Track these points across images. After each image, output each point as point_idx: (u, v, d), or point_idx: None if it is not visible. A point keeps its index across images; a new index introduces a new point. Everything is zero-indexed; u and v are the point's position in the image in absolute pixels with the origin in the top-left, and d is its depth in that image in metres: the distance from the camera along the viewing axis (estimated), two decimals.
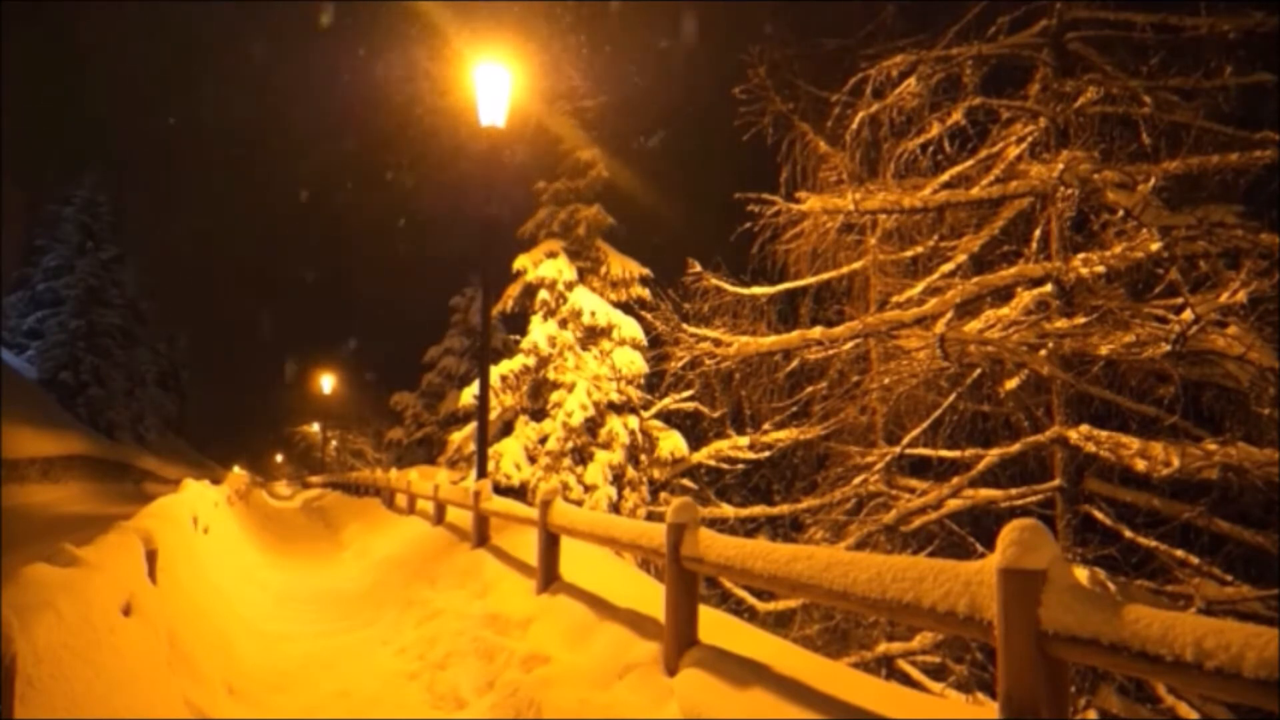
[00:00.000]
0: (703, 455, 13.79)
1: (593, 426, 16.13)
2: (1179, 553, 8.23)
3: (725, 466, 13.62)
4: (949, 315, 8.87)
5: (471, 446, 17.22)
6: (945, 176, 9.79)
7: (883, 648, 10.02)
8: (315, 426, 48.72)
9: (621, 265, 17.65)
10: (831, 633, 10.72)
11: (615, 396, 16.30)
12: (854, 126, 10.50)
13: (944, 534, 10.07)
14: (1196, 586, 7.83)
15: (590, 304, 16.80)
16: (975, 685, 9.27)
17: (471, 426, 17.57)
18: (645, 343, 16.19)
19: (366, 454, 42.04)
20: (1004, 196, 9.30)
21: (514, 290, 17.51)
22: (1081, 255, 8.44)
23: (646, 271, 17.56)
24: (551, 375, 16.61)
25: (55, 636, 2.86)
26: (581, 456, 16.05)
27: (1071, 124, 8.92)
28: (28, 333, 40.68)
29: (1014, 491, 9.09)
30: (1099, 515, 8.69)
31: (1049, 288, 8.92)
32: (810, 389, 11.57)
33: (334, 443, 47.83)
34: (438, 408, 30.04)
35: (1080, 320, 8.24)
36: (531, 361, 16.73)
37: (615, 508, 15.24)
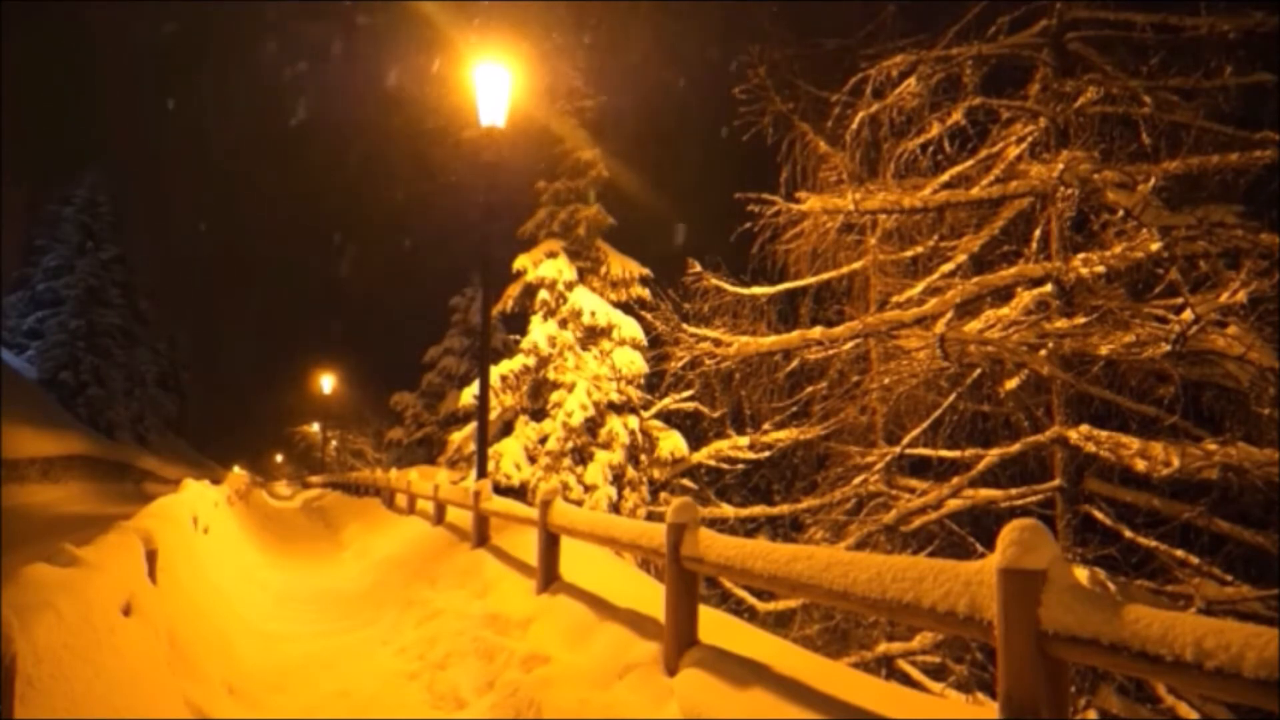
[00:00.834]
0: (703, 455, 13.78)
1: (593, 426, 16.13)
2: (1179, 553, 8.22)
3: (725, 466, 13.62)
4: (949, 315, 8.87)
5: (471, 446, 17.22)
6: (945, 176, 9.79)
7: (883, 648, 10.02)
8: (315, 426, 48.71)
9: (621, 265, 17.65)
10: (831, 633, 10.72)
11: (615, 396, 16.30)
12: (854, 126, 10.50)
13: (944, 534, 10.06)
14: (1196, 586, 7.83)
15: (590, 304, 16.80)
16: (975, 685, 9.27)
17: (471, 426, 17.57)
18: (645, 343, 16.19)
19: (366, 454, 42.04)
20: (1004, 196, 9.29)
21: (514, 290, 17.51)
22: (1081, 255, 8.44)
23: (646, 271, 17.56)
24: (551, 375, 16.61)
25: (55, 636, 2.86)
26: (581, 456, 16.05)
27: (1071, 124, 8.92)
28: (28, 333, 40.70)
29: (1014, 491, 9.08)
30: (1099, 515, 8.69)
31: (1049, 288, 8.92)
32: (810, 389, 11.57)
33: (334, 443, 47.82)
34: (438, 408, 30.04)
35: (1080, 320, 8.24)
36: (531, 361, 16.73)
37: (615, 508, 15.24)
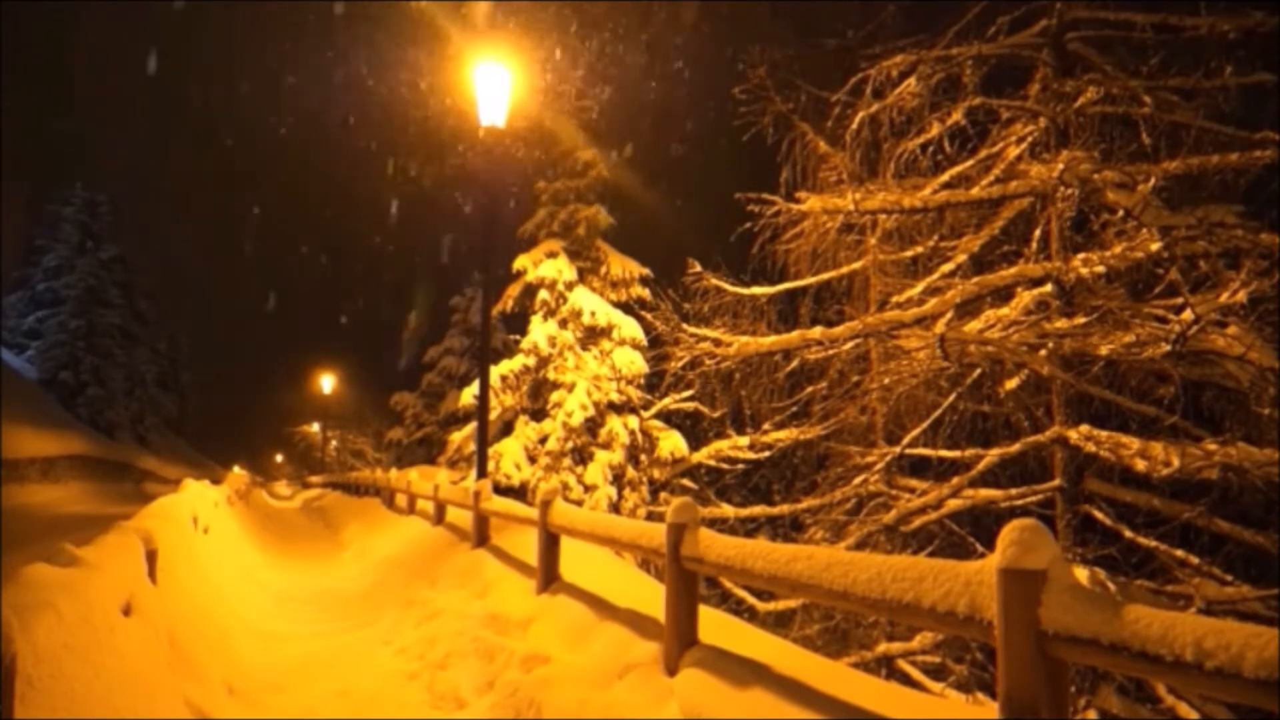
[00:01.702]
0: (703, 455, 13.78)
1: (593, 426, 16.13)
2: (1179, 553, 8.23)
3: (725, 466, 13.61)
4: (949, 315, 8.87)
5: (471, 446, 17.22)
6: (945, 176, 9.79)
7: (883, 648, 10.02)
8: (315, 426, 48.72)
9: (621, 265, 17.65)
10: (831, 633, 10.72)
11: (615, 396, 16.30)
12: (854, 126, 10.50)
13: (944, 534, 10.06)
14: (1196, 586, 7.83)
15: (590, 304, 16.80)
16: (975, 685, 9.27)
17: (471, 426, 17.57)
18: (645, 343, 16.18)
19: (366, 454, 42.06)
20: (1004, 196, 9.29)
21: (514, 290, 17.50)
22: (1081, 255, 8.44)
23: (646, 271, 17.55)
24: (551, 375, 16.61)
25: (55, 636, 2.86)
26: (581, 456, 16.05)
27: (1071, 124, 8.92)
28: (28, 333, 40.69)
29: (1014, 491, 9.08)
30: (1099, 515, 8.69)
31: (1049, 288, 8.92)
32: (810, 389, 11.57)
33: (334, 443, 47.84)
34: (438, 408, 30.04)
35: (1080, 320, 8.24)
36: (531, 361, 16.73)
37: (615, 508, 15.24)
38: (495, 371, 16.20)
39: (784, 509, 11.78)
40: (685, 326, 10.57)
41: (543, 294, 16.99)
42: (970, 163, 9.74)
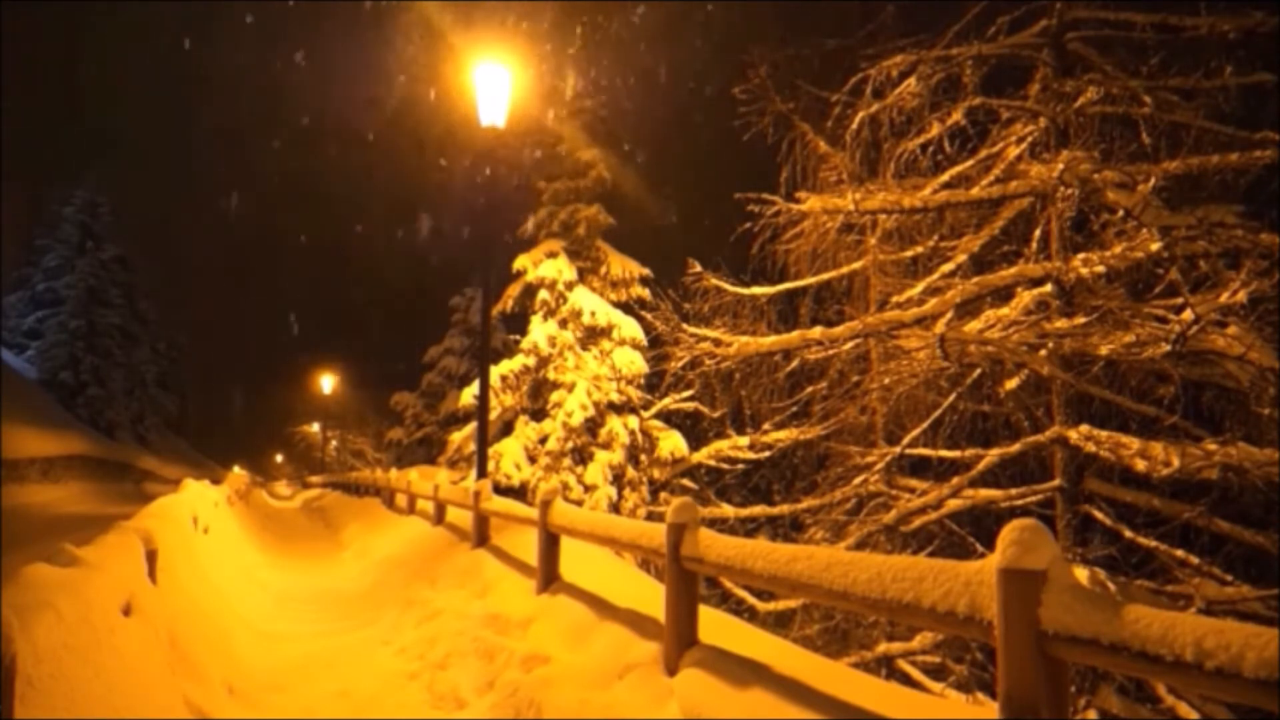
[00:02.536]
0: (703, 455, 13.78)
1: (593, 426, 16.13)
2: (1179, 553, 8.22)
3: (725, 466, 13.61)
4: (949, 315, 8.87)
5: (471, 446, 17.22)
6: (945, 176, 9.79)
7: (883, 648, 10.02)
8: (315, 426, 48.71)
9: (621, 265, 17.65)
10: (831, 633, 10.72)
11: (615, 396, 16.30)
12: (854, 126, 10.50)
13: (944, 534, 10.06)
14: (1196, 586, 7.83)
15: (590, 304, 16.80)
16: (975, 685, 9.27)
17: (471, 426, 17.57)
18: (645, 343, 16.19)
19: (366, 454, 42.03)
20: (1004, 196, 9.29)
21: (514, 290, 17.51)
22: (1081, 255, 8.44)
23: (646, 271, 17.56)
24: (551, 375, 16.61)
25: (55, 636, 2.86)
26: (581, 456, 16.05)
27: (1071, 124, 8.92)
28: (28, 333, 40.69)
29: (1014, 491, 9.08)
30: (1099, 515, 8.69)
31: (1049, 288, 8.91)
32: (810, 389, 11.57)
33: (334, 443, 47.82)
34: (438, 408, 30.03)
35: (1080, 320, 8.24)
36: (531, 361, 16.73)
37: (615, 508, 15.24)
38: (495, 371, 16.20)
39: (784, 509, 11.78)
40: (685, 326, 10.56)
41: (543, 294, 16.99)
42: (970, 163, 9.74)
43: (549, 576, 6.58)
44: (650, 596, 5.29)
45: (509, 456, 15.92)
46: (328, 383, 42.84)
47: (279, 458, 76.71)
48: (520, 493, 15.03)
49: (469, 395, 17.35)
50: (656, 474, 15.74)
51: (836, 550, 4.14)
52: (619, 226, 18.01)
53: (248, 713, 4.88)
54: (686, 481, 15.28)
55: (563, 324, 16.89)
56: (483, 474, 10.03)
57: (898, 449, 10.11)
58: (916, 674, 9.89)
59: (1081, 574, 7.72)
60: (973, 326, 8.89)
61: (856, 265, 11.50)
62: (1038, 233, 9.42)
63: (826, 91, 10.95)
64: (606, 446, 15.91)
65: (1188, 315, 7.30)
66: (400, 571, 9.81)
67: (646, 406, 16.32)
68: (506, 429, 16.83)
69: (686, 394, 13.40)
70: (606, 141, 17.90)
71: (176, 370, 53.32)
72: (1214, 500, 7.89)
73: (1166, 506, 8.28)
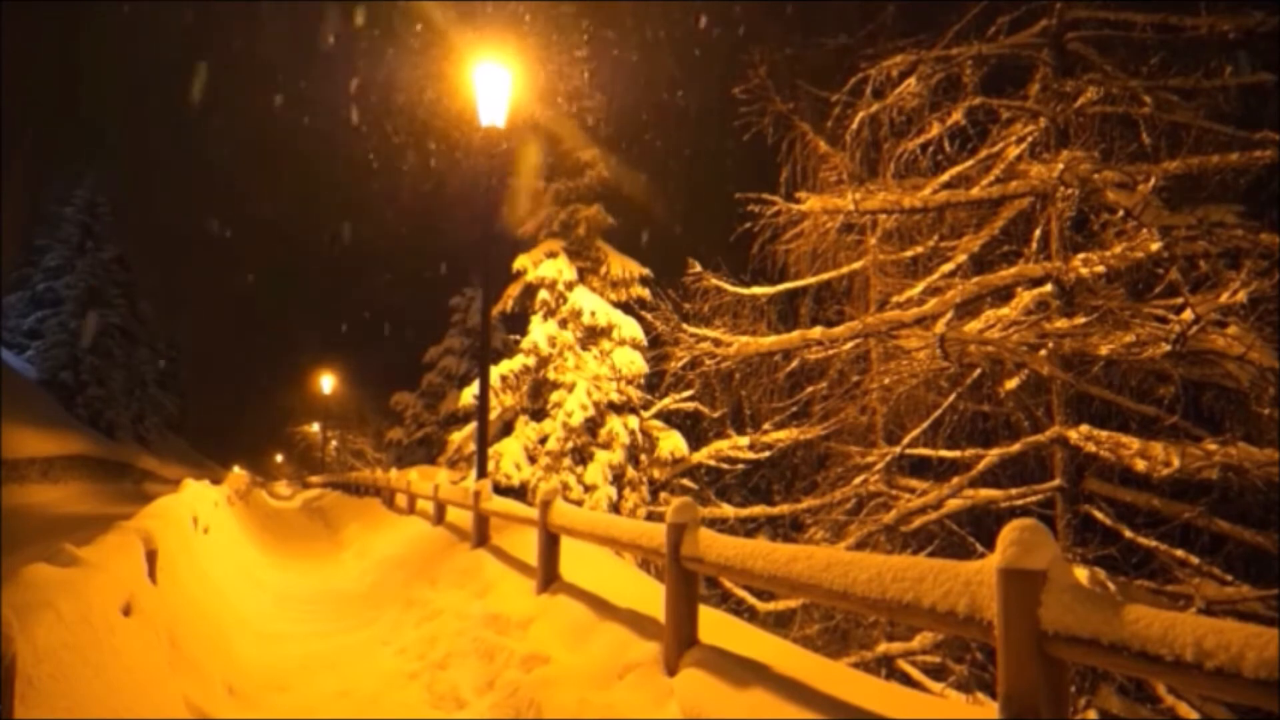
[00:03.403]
0: (703, 455, 13.78)
1: (593, 426, 16.13)
2: (1179, 553, 8.22)
3: (725, 466, 13.61)
4: (949, 315, 8.87)
5: (471, 446, 17.21)
6: (945, 176, 9.79)
7: (883, 648, 10.01)
8: (315, 426, 48.72)
9: (621, 265, 17.64)
10: (831, 633, 10.71)
11: (615, 396, 16.30)
12: (854, 126, 10.50)
13: (944, 534, 10.06)
14: (1196, 586, 7.83)
15: (590, 304, 16.79)
16: (975, 685, 9.26)
17: (471, 426, 17.56)
18: (645, 343, 16.18)
19: (366, 454, 42.04)
20: (1004, 196, 9.29)
21: (514, 290, 17.50)
22: (1081, 255, 8.44)
23: (646, 271, 17.55)
24: (551, 375, 16.60)
25: (55, 636, 2.86)
26: (581, 456, 16.05)
27: (1071, 124, 8.92)
28: (28, 333, 40.68)
29: (1014, 491, 9.08)
30: (1099, 515, 8.69)
31: (1049, 288, 8.91)
32: (810, 389, 11.57)
33: (334, 443, 47.83)
34: (438, 408, 30.04)
35: (1080, 320, 8.24)
36: (531, 361, 16.72)
37: (615, 508, 15.24)
38: (495, 371, 16.20)
39: (784, 509, 11.78)
40: (685, 326, 10.56)
41: (543, 294, 16.98)
42: (970, 163, 9.74)
43: (549, 576, 6.58)
44: (650, 596, 5.29)
45: (509, 456, 15.92)
46: (328, 383, 42.85)
47: (279, 458, 76.73)
48: (520, 493, 15.03)
49: (469, 395, 17.34)
50: (656, 474, 15.73)
51: (836, 550, 4.14)
52: (619, 226, 18.02)
53: (248, 713, 4.88)
54: (686, 481, 15.28)
55: (563, 324, 16.88)
56: (483, 474, 10.03)
57: (898, 449, 10.11)
58: (916, 674, 9.89)
59: (1081, 574, 7.72)
60: (973, 326, 8.89)
61: (856, 265, 11.50)
62: (1038, 233, 9.42)
63: (826, 91, 10.95)
64: (606, 446, 15.91)
65: (1188, 315, 7.30)
66: (400, 571, 9.81)
67: (646, 406, 16.32)
68: (506, 429, 16.83)
69: (686, 394, 13.40)
70: (606, 142, 17.92)
71: (176, 370, 53.36)
72: (1214, 500, 7.89)
73: (1166, 506, 8.28)
